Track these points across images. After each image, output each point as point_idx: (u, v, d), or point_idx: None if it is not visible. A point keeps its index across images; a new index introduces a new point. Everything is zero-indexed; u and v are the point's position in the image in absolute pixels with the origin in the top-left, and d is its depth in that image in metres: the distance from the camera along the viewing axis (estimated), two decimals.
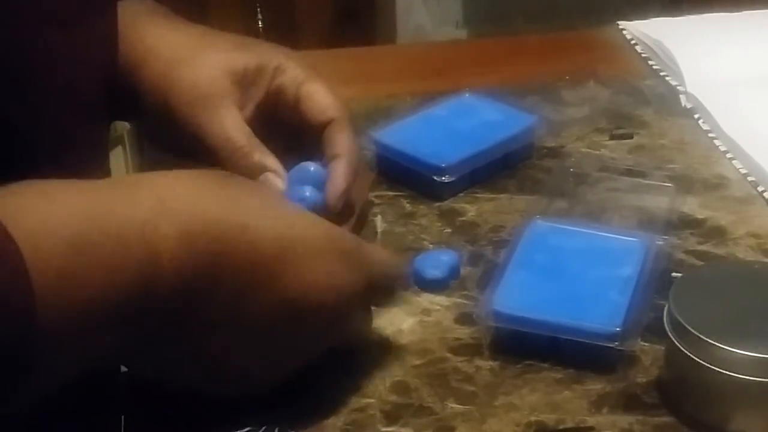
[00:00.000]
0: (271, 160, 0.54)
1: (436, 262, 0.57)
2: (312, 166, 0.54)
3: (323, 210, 0.52)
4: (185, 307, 0.43)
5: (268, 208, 0.47)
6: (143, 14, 0.57)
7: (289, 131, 0.57)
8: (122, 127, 1.10)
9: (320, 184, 0.54)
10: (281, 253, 0.45)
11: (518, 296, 0.53)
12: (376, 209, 0.63)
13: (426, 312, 0.56)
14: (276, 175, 0.54)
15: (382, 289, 0.51)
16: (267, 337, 0.46)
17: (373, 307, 0.52)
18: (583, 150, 0.69)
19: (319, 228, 0.48)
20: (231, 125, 0.54)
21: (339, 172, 0.54)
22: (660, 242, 0.58)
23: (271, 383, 0.48)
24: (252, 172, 0.53)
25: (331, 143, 0.55)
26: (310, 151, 0.56)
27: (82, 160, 0.52)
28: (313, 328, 0.47)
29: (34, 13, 0.47)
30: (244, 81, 0.55)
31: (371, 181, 0.63)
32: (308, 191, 0.53)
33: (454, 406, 0.50)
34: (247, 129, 0.55)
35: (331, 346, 0.49)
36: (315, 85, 0.56)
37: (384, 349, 0.53)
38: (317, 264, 0.46)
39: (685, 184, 0.65)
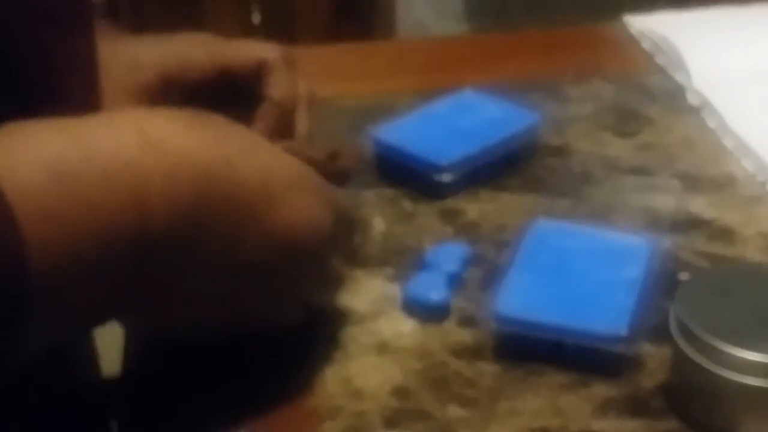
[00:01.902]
0: None
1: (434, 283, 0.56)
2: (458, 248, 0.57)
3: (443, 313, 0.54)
4: (178, 244, 0.43)
5: (249, 144, 0.47)
6: None
7: (239, 107, 0.56)
8: None
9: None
10: (265, 187, 0.46)
11: (521, 298, 0.52)
12: (375, 209, 0.62)
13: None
14: None
15: (344, 231, 0.51)
16: (259, 274, 0.46)
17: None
18: (588, 148, 0.68)
19: (296, 164, 0.48)
20: None
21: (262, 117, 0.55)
22: (666, 243, 0.57)
23: (266, 324, 0.49)
24: None
25: (267, 84, 0.55)
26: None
27: None
28: (301, 262, 0.48)
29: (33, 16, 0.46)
30: (153, 95, 0.55)
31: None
32: (434, 294, 0.54)
33: (455, 410, 0.49)
34: None
35: (316, 296, 0.51)
36: (227, 50, 0.56)
37: (384, 353, 0.52)
38: (299, 199, 0.47)
39: (692, 183, 0.64)
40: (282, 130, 0.58)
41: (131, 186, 0.41)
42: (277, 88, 0.56)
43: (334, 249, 0.50)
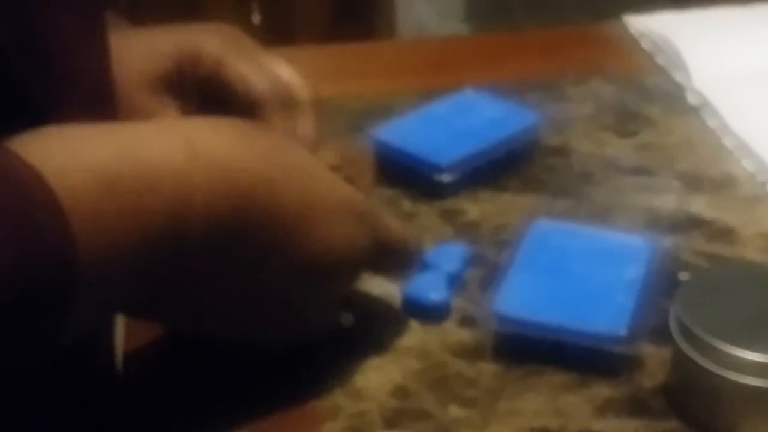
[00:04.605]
0: None
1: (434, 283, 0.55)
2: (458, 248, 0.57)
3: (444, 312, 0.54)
4: (211, 257, 0.44)
5: (296, 166, 0.47)
6: None
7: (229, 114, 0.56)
8: None
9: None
10: (304, 213, 0.46)
11: (521, 298, 0.52)
12: None
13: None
14: None
15: (392, 257, 0.52)
16: (285, 290, 0.47)
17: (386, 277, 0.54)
18: (588, 148, 0.68)
19: (342, 190, 0.48)
20: None
21: None
22: (666, 243, 0.57)
23: (290, 338, 0.49)
24: None
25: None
26: None
27: None
28: (328, 284, 0.49)
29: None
30: (170, 84, 0.55)
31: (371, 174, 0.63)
32: (434, 294, 0.54)
33: (455, 410, 0.49)
34: None
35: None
36: (233, 67, 0.55)
37: (384, 353, 0.52)
38: (337, 226, 0.47)
39: (693, 183, 0.64)
40: None
41: (174, 197, 0.42)
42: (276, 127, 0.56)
43: (371, 267, 0.51)
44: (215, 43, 0.55)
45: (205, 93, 0.55)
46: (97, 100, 0.49)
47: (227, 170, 0.44)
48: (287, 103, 0.55)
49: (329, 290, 0.49)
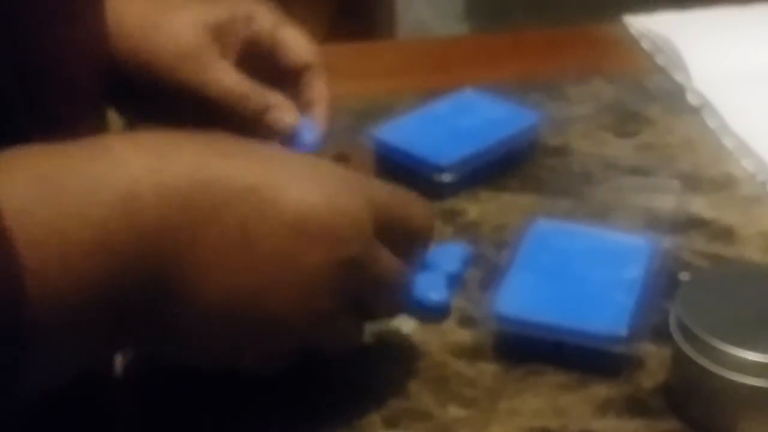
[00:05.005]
0: (273, 97, 0.57)
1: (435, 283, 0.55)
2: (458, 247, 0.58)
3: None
4: (180, 234, 0.40)
5: (249, 147, 0.45)
6: None
7: (268, 79, 0.58)
8: (117, 127, 1.09)
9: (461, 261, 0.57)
10: (267, 177, 0.42)
11: (521, 298, 0.52)
12: None
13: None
14: (281, 109, 0.57)
15: (408, 231, 0.47)
16: (277, 266, 0.42)
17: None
18: (588, 148, 0.68)
19: (305, 156, 0.48)
20: (225, 76, 0.56)
21: (318, 117, 0.58)
22: (666, 243, 0.56)
23: (278, 352, 0.45)
24: (259, 115, 0.56)
25: (308, 89, 0.58)
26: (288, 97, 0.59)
27: None
28: (322, 257, 0.43)
29: (37, 7, 0.46)
30: (219, 34, 0.57)
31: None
32: (434, 294, 0.54)
33: (455, 410, 0.49)
34: (241, 76, 0.57)
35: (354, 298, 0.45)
36: (289, 30, 0.59)
37: (383, 352, 0.52)
38: (312, 185, 0.43)
39: (693, 183, 0.64)
40: None
41: (118, 186, 0.39)
42: (322, 90, 0.59)
43: (377, 250, 0.45)
44: (267, 9, 0.58)
45: (248, 52, 0.57)
46: (91, 110, 0.49)
47: (169, 150, 0.41)
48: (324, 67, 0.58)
49: (329, 259, 0.43)
